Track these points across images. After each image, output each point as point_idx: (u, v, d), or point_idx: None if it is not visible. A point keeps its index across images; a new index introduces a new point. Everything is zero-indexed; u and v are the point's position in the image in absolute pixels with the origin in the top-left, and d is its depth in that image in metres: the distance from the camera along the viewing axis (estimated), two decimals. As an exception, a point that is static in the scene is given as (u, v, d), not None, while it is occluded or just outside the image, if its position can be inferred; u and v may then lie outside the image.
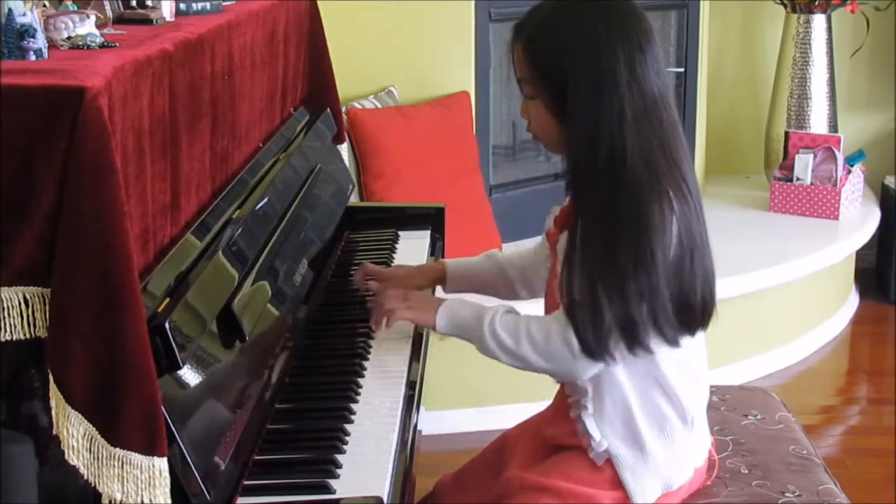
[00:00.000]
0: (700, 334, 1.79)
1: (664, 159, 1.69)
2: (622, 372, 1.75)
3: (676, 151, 1.72)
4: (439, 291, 2.11)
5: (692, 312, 1.73)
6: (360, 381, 1.84)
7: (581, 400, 1.80)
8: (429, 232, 2.59)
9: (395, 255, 2.45)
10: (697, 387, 1.84)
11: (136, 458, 1.28)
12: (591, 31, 1.69)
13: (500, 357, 1.81)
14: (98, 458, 1.28)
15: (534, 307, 1.93)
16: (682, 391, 1.79)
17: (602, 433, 1.79)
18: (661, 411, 1.79)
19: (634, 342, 1.69)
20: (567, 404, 1.85)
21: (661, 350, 1.75)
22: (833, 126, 4.46)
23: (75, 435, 1.26)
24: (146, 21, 1.77)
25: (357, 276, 2.17)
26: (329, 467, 1.56)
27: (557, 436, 1.88)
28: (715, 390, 2.24)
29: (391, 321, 1.92)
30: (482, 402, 3.39)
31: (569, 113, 1.70)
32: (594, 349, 1.70)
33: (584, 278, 1.68)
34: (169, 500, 1.31)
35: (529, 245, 2.09)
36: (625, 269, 1.65)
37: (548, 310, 1.91)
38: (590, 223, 1.70)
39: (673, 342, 1.73)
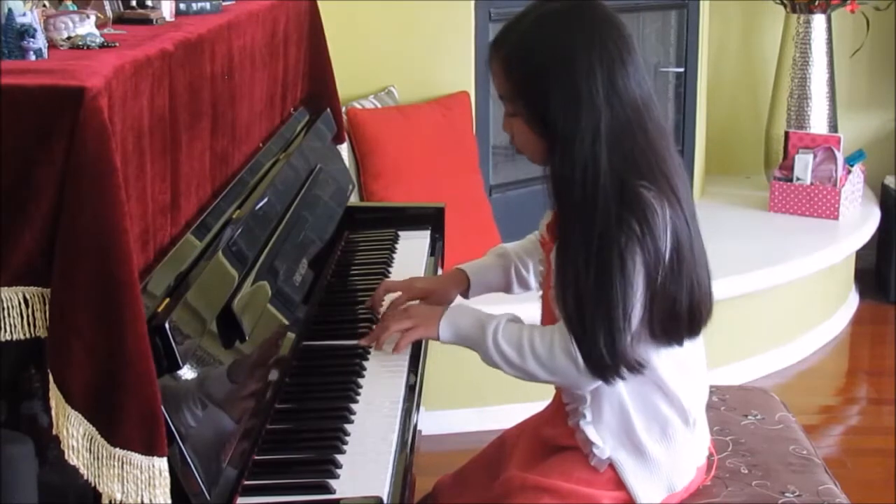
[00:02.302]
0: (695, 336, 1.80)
1: (649, 169, 1.68)
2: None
3: (664, 162, 1.71)
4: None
5: (677, 321, 1.72)
6: (360, 381, 1.84)
7: (579, 408, 1.80)
8: (429, 232, 2.59)
9: (394, 256, 2.45)
10: (697, 386, 1.84)
11: (136, 457, 1.28)
12: (569, 48, 1.67)
13: (503, 368, 1.80)
14: (98, 458, 1.27)
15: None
16: (682, 393, 1.79)
17: (603, 440, 1.79)
18: (663, 414, 1.79)
19: (624, 361, 1.69)
20: (565, 412, 1.85)
21: (658, 355, 1.75)
22: (833, 126, 4.46)
23: (75, 435, 1.26)
24: (146, 21, 1.77)
25: (375, 297, 2.09)
26: (329, 467, 1.56)
27: (556, 436, 1.88)
28: (715, 390, 2.24)
29: (401, 346, 1.90)
30: (482, 402, 3.39)
31: (549, 130, 1.69)
32: (595, 368, 1.69)
33: (570, 298, 1.69)
34: (169, 500, 1.31)
35: (532, 238, 2.08)
36: (594, 293, 1.66)
37: (544, 317, 1.91)
38: (567, 240, 1.70)
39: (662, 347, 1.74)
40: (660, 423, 1.79)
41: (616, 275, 1.65)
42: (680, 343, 1.75)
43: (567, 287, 1.69)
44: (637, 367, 1.71)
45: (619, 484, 1.80)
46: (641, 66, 1.72)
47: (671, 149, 1.75)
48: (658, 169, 1.69)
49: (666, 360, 1.76)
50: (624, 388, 1.76)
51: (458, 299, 2.08)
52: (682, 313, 1.72)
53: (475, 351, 1.83)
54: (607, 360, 1.68)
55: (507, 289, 2.10)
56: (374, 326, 1.97)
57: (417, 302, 2.06)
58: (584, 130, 1.66)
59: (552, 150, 1.70)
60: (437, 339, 1.88)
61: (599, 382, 1.73)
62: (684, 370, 1.80)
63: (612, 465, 1.80)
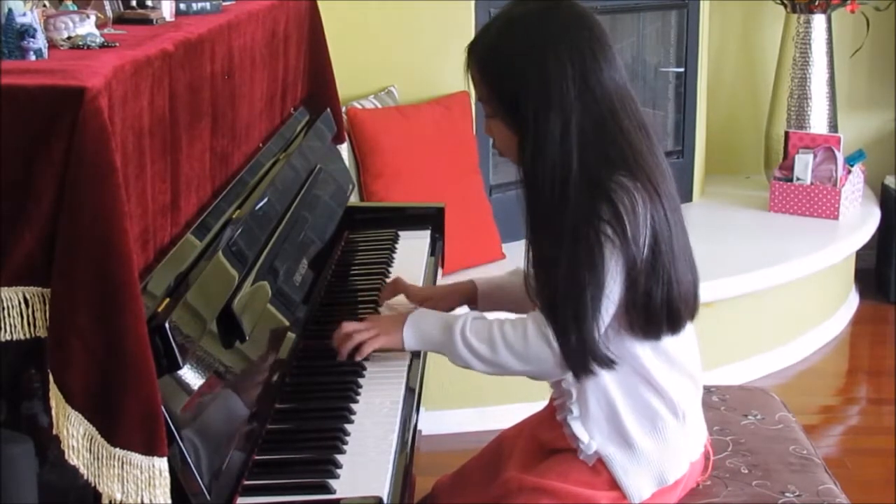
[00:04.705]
0: (684, 330, 1.80)
1: (626, 164, 1.69)
2: (605, 372, 1.75)
3: (641, 156, 1.71)
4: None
5: (653, 316, 1.73)
6: (360, 381, 1.84)
7: (566, 402, 1.80)
8: (429, 232, 2.59)
9: (395, 256, 2.45)
10: (687, 380, 1.84)
11: (136, 458, 1.28)
12: (539, 46, 1.69)
13: (474, 366, 1.78)
14: (98, 458, 1.28)
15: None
16: (670, 386, 1.79)
17: (590, 435, 1.79)
18: (651, 407, 1.79)
19: (594, 356, 1.70)
20: (554, 405, 1.85)
21: (643, 348, 1.75)
22: (833, 126, 4.46)
23: (75, 435, 1.26)
24: (146, 21, 1.77)
25: (385, 293, 2.10)
26: (329, 467, 1.56)
27: (552, 440, 1.88)
28: (715, 390, 2.24)
29: (362, 354, 1.85)
30: (482, 402, 3.39)
31: (522, 128, 1.70)
32: (568, 360, 1.70)
33: (542, 294, 1.70)
34: (169, 500, 1.31)
35: None
36: (563, 288, 1.67)
37: None
38: (538, 237, 1.71)
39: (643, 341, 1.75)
40: (649, 416, 1.79)
41: (585, 271, 1.66)
42: (657, 338, 1.76)
43: (539, 284, 1.70)
44: (608, 363, 1.71)
45: (616, 484, 1.80)
46: (617, 62, 1.73)
47: (652, 144, 1.75)
48: (636, 163, 1.70)
49: (651, 354, 1.77)
50: (610, 383, 1.77)
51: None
52: (656, 308, 1.72)
53: (443, 354, 1.81)
54: (578, 355, 1.69)
55: (521, 308, 2.09)
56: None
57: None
58: (554, 127, 1.67)
59: (523, 148, 1.71)
60: (402, 347, 1.84)
61: (570, 372, 1.73)
62: (671, 363, 1.80)
63: (601, 460, 1.79)
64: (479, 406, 3.39)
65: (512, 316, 1.80)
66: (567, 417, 1.80)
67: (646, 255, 1.68)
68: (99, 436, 1.27)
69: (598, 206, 1.66)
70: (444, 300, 2.09)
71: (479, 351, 1.76)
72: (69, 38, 1.53)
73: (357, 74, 3.48)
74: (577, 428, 1.79)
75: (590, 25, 1.73)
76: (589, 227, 1.66)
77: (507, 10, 1.78)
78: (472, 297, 2.09)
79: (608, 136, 1.69)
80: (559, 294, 1.68)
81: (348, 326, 1.89)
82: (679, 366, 1.81)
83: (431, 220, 2.62)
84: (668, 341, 1.77)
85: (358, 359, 1.86)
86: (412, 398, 1.82)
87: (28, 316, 1.28)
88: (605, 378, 1.76)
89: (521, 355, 1.74)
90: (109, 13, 1.72)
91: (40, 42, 1.43)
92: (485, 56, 1.76)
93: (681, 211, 1.76)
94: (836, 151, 4.19)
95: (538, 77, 1.68)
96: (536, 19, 1.72)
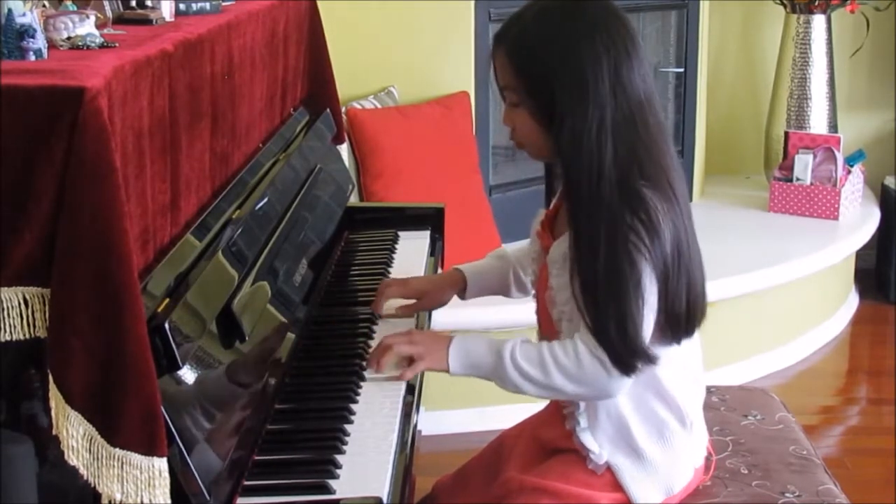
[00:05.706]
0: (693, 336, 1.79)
1: (651, 164, 1.69)
2: None
3: (664, 157, 1.71)
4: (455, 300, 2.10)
5: (677, 320, 1.72)
6: (360, 381, 1.84)
7: (574, 412, 1.80)
8: (428, 232, 2.59)
9: (394, 256, 2.45)
10: (694, 387, 1.84)
11: (136, 458, 1.28)
12: (577, 38, 1.68)
13: (526, 390, 1.75)
14: (98, 459, 1.28)
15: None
16: (679, 394, 1.79)
17: (600, 445, 1.78)
18: (659, 417, 1.79)
19: (640, 354, 1.68)
20: (562, 414, 1.84)
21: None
22: (833, 126, 4.46)
23: (75, 435, 1.26)
24: (146, 21, 1.77)
25: (378, 303, 2.07)
26: (329, 467, 1.56)
27: (554, 439, 1.87)
28: (715, 390, 2.24)
29: (407, 376, 1.81)
30: (482, 402, 3.38)
31: (556, 120, 1.68)
32: (618, 363, 1.67)
33: (588, 290, 1.67)
34: (169, 501, 1.31)
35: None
36: (606, 284, 1.65)
37: (540, 320, 1.90)
38: (578, 233, 1.69)
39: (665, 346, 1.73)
40: (657, 425, 1.79)
41: (626, 267, 1.64)
42: (678, 342, 1.75)
43: (582, 279, 1.68)
44: (652, 359, 1.69)
45: (618, 486, 1.79)
46: (645, 61, 1.73)
47: (670, 146, 1.75)
48: (658, 164, 1.70)
49: (663, 362, 1.76)
50: None
51: (456, 301, 2.09)
52: (680, 311, 1.72)
53: (490, 379, 1.77)
54: (622, 354, 1.66)
55: (506, 292, 2.09)
56: (372, 346, 1.91)
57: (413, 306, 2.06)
58: (591, 120, 1.66)
59: (558, 141, 1.69)
60: (447, 370, 1.79)
61: (630, 382, 1.71)
62: (680, 371, 1.79)
63: (610, 468, 1.79)
64: (479, 406, 3.38)
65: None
66: (575, 428, 1.79)
67: (672, 258, 1.67)
68: (99, 436, 1.27)
69: (629, 215, 1.65)
70: (438, 293, 2.08)
71: (530, 375, 1.73)
72: (69, 38, 1.53)
73: (357, 74, 3.48)
74: (587, 438, 1.78)
75: (624, 22, 1.73)
76: (623, 226, 1.64)
77: (537, 1, 1.76)
78: (462, 285, 2.08)
79: (635, 134, 1.69)
80: (601, 292, 1.65)
81: (390, 339, 1.84)
82: (686, 373, 1.81)
83: (431, 220, 2.62)
84: (675, 346, 1.77)
85: (401, 381, 1.81)
86: (412, 398, 1.82)
87: (28, 316, 1.28)
88: None
89: (574, 376, 1.71)
90: (109, 13, 1.72)
91: (40, 42, 1.43)
92: (516, 43, 1.73)
93: (691, 212, 1.76)
94: (836, 152, 4.19)
95: (574, 66, 1.67)
96: (572, 9, 1.72)
